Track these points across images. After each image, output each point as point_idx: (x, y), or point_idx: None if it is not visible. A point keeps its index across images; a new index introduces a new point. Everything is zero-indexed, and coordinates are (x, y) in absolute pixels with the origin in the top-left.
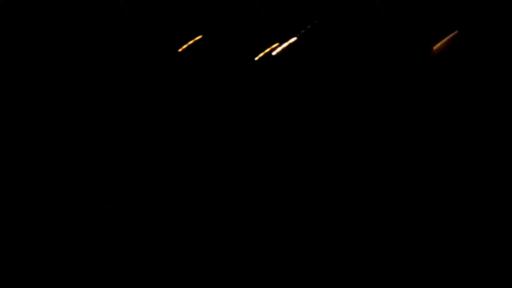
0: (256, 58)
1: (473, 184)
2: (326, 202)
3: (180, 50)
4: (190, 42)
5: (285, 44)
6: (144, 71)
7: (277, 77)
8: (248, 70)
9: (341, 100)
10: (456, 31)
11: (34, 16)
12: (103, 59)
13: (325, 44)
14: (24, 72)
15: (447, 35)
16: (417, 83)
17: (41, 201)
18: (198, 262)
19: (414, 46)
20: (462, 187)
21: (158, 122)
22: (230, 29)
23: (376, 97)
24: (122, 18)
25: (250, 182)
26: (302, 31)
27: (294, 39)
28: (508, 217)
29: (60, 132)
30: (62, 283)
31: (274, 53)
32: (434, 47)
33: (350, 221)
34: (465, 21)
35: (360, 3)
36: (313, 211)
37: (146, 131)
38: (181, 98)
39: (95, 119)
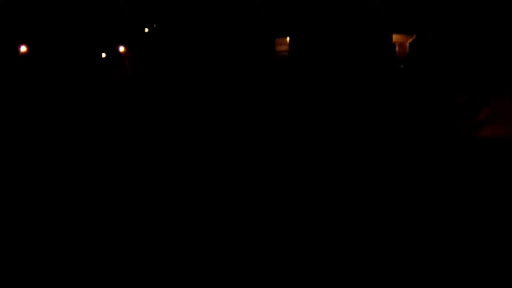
0: None
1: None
2: (323, 201)
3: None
4: None
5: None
6: (144, 71)
7: (276, 77)
8: (248, 70)
9: (339, 99)
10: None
11: (34, 16)
12: (103, 59)
13: (325, 44)
14: (24, 72)
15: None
16: (416, 84)
17: (41, 201)
18: (197, 262)
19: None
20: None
21: (158, 122)
22: (230, 29)
23: (374, 97)
24: (122, 18)
25: (249, 182)
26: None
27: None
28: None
29: (60, 132)
30: (62, 283)
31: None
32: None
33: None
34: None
35: (360, 3)
36: (309, 210)
37: (146, 131)
38: (181, 99)
39: (95, 119)
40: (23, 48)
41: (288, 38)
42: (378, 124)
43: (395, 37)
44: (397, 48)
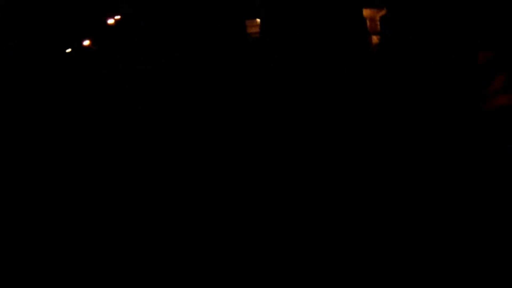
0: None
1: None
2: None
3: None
4: None
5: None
6: (144, 71)
7: (275, 77)
8: (247, 70)
9: (315, 80)
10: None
11: (34, 16)
12: (103, 59)
13: (296, 24)
14: (24, 72)
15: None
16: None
17: (41, 201)
18: (197, 262)
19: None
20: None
21: (158, 122)
22: (229, 29)
23: (373, 95)
24: (122, 18)
25: (249, 182)
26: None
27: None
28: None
29: (60, 132)
30: (62, 283)
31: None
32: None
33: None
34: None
35: (360, 3)
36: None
37: (146, 131)
38: (181, 99)
39: (95, 119)
40: None
41: (258, 20)
42: (357, 107)
43: (365, 12)
44: (368, 24)
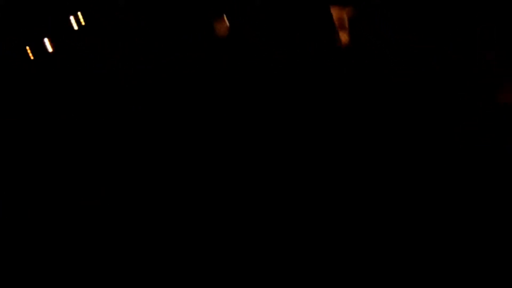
0: None
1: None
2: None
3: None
4: None
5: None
6: (144, 71)
7: (272, 77)
8: (247, 71)
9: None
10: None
11: (34, 15)
12: (103, 58)
13: (322, 43)
14: (23, 71)
15: None
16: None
17: (41, 201)
18: (198, 263)
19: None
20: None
21: (158, 122)
22: (228, 28)
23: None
24: (122, 18)
25: (248, 181)
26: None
27: None
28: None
29: (60, 132)
30: (62, 283)
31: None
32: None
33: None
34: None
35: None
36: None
37: (146, 131)
38: (181, 99)
39: (95, 119)
40: None
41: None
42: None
43: (332, 9)
44: (336, 21)
